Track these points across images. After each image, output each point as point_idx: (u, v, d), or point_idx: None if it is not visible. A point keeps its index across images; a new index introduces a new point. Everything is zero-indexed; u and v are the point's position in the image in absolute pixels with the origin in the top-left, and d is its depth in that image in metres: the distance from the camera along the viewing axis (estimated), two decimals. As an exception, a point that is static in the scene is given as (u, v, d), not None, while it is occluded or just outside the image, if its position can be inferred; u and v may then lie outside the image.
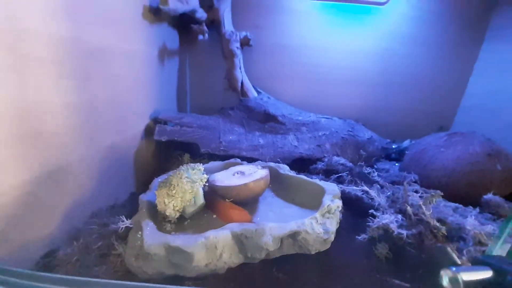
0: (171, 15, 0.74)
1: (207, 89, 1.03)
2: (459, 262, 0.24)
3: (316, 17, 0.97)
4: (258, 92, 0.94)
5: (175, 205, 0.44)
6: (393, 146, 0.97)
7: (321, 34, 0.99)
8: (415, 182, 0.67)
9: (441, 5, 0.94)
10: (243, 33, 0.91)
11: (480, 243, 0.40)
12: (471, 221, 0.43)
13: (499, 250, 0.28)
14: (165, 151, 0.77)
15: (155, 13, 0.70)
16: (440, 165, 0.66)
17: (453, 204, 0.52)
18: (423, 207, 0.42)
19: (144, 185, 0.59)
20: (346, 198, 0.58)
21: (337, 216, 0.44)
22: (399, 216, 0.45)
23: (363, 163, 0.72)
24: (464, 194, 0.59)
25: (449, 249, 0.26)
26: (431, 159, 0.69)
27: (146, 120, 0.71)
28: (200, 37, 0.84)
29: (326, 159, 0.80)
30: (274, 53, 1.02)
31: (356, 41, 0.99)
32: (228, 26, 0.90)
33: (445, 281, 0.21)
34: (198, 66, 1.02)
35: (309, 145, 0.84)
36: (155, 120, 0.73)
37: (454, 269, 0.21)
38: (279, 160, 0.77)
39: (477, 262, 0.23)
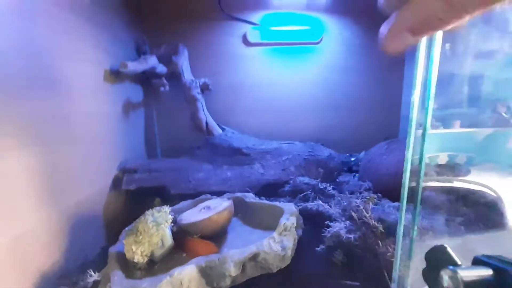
0: (132, 74, 0.82)
1: (175, 133, 1.09)
2: (459, 262, 0.23)
3: (265, 58, 1.12)
4: (223, 129, 1.02)
5: (142, 250, 0.46)
6: (352, 159, 1.08)
7: (272, 72, 1.13)
8: (369, 189, 0.75)
9: (364, 39, 1.14)
10: (202, 80, 1.02)
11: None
12: (408, 217, 0.50)
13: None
14: (136, 199, 0.79)
15: (116, 75, 0.78)
16: (385, 170, 0.76)
17: (396, 204, 0.60)
18: (364, 210, 0.49)
19: (116, 237, 0.60)
20: (308, 214, 0.64)
21: (294, 232, 0.49)
22: (348, 222, 0.51)
23: (318, 180, 0.79)
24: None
25: (449, 249, 0.25)
26: (378, 167, 0.78)
27: (114, 172, 0.74)
28: (162, 89, 0.93)
29: (291, 181, 0.86)
30: (234, 92, 1.13)
31: (302, 74, 1.15)
32: (187, 75, 1.00)
33: (445, 281, 0.21)
34: (165, 113, 1.09)
35: (275, 170, 0.91)
36: (123, 170, 0.76)
37: (454, 269, 0.21)
38: (248, 189, 0.82)
39: (477, 262, 0.22)
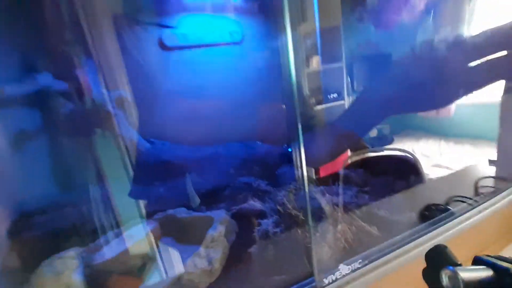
0: (16, 97, 0.68)
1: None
2: (459, 262, 0.23)
3: (187, 63, 1.08)
4: (151, 142, 0.94)
5: (40, 311, 0.38)
6: (289, 150, 1.13)
7: (197, 76, 1.09)
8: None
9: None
10: (118, 92, 0.92)
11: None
12: (327, 198, 0.54)
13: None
14: (48, 246, 0.66)
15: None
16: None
17: (320, 188, 0.64)
18: (286, 202, 0.50)
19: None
20: (243, 216, 0.63)
21: (223, 241, 0.47)
22: (276, 216, 0.52)
23: (253, 179, 0.80)
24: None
25: (449, 249, 0.25)
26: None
27: (8, 218, 0.60)
28: (62, 109, 0.80)
29: (231, 184, 0.85)
30: (160, 101, 1.05)
31: (228, 76, 1.13)
32: (97, 89, 0.89)
33: (445, 281, 0.21)
34: (76, 135, 0.94)
35: (213, 176, 0.89)
36: (22, 214, 0.62)
37: (453, 269, 0.21)
38: (185, 203, 0.77)
39: (477, 262, 0.23)
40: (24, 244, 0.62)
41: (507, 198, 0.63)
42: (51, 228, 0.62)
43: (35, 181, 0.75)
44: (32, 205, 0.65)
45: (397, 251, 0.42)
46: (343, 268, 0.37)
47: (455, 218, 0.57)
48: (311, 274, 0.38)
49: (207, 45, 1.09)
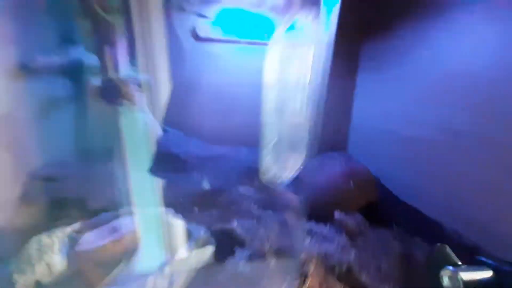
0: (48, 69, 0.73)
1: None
2: (459, 262, 0.23)
3: (220, 56, 1.06)
4: (165, 131, 0.97)
5: (24, 279, 0.43)
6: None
7: (227, 72, 1.08)
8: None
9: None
10: (141, 76, 0.94)
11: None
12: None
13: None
14: (56, 214, 0.71)
15: (28, 71, 0.69)
16: (313, 186, 0.77)
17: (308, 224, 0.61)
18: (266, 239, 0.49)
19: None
20: (223, 236, 0.62)
21: (194, 261, 0.48)
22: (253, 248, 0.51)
23: (251, 191, 0.78)
24: (327, 212, 0.69)
25: (449, 249, 0.25)
26: (307, 184, 0.80)
27: (23, 181, 0.67)
28: (89, 83, 0.84)
29: (228, 192, 0.85)
30: (186, 91, 1.06)
31: (259, 75, 1.09)
32: (124, 69, 0.92)
33: (445, 281, 0.21)
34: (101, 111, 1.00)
35: (215, 179, 0.89)
36: (35, 179, 0.69)
37: (454, 269, 0.21)
38: (181, 200, 0.79)
39: (477, 263, 0.23)
40: (33, 208, 0.69)
41: None
42: (56, 197, 0.67)
43: (56, 148, 0.82)
44: (46, 171, 0.71)
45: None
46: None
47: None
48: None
49: (239, 42, 1.05)
